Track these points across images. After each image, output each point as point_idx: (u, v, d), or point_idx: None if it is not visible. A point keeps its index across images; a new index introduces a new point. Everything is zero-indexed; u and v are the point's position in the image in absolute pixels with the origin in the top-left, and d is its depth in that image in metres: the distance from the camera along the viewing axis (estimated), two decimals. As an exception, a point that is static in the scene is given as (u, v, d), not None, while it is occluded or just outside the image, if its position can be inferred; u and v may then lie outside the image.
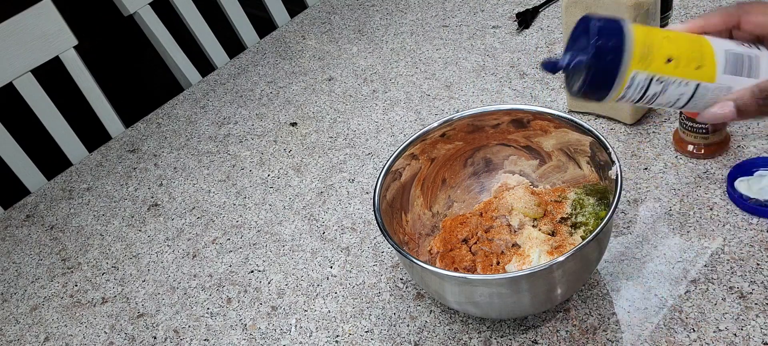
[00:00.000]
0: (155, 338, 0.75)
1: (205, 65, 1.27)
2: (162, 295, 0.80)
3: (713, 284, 0.64)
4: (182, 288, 0.80)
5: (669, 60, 0.47)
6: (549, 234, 0.67)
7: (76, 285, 0.84)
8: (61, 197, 1.01)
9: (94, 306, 0.81)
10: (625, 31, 0.47)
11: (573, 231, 0.68)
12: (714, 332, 0.61)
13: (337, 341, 0.69)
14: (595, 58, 0.47)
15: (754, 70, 0.47)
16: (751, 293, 0.63)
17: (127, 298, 0.80)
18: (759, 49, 0.48)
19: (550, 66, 0.50)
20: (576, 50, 0.49)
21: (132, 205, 0.95)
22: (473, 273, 0.66)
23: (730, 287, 0.64)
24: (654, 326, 0.62)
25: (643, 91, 0.48)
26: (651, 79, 0.48)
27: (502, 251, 0.67)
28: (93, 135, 1.23)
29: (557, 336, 0.64)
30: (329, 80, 1.09)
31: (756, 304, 0.62)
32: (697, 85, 0.48)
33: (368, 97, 1.03)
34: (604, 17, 0.48)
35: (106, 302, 0.81)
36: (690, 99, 0.49)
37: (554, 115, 0.69)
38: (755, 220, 0.69)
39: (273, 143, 0.99)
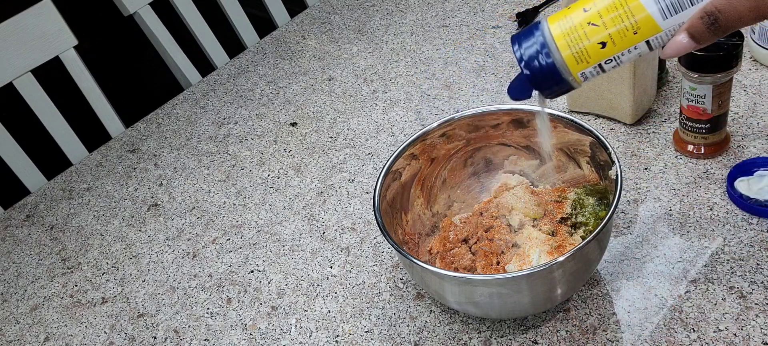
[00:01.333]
0: (155, 338, 0.75)
1: (205, 65, 1.27)
2: (162, 295, 0.80)
3: (713, 284, 0.64)
4: (182, 288, 0.80)
5: (603, 45, 0.46)
6: (549, 234, 0.67)
7: (76, 285, 0.84)
8: (61, 197, 1.01)
9: (94, 306, 0.81)
10: (550, 49, 0.47)
11: (573, 231, 0.68)
12: (714, 332, 0.61)
13: (337, 341, 0.69)
14: (539, 86, 0.48)
15: None
16: (751, 293, 0.63)
17: (127, 298, 0.81)
18: None
19: (516, 96, 0.52)
20: (522, 78, 0.50)
21: (132, 205, 0.95)
22: (473, 273, 0.66)
23: (730, 287, 0.64)
24: (654, 326, 0.62)
25: (599, 72, 0.48)
26: (599, 65, 0.47)
27: (502, 251, 0.67)
28: (93, 135, 1.23)
29: (557, 336, 0.64)
30: (329, 80, 1.09)
31: (756, 304, 0.62)
32: (647, 41, 0.46)
33: (368, 97, 1.03)
34: (525, 39, 0.48)
35: (106, 302, 0.81)
36: (650, 51, 0.47)
37: (554, 115, 0.69)
38: (755, 220, 0.69)
39: (273, 143, 0.99)
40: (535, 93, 0.51)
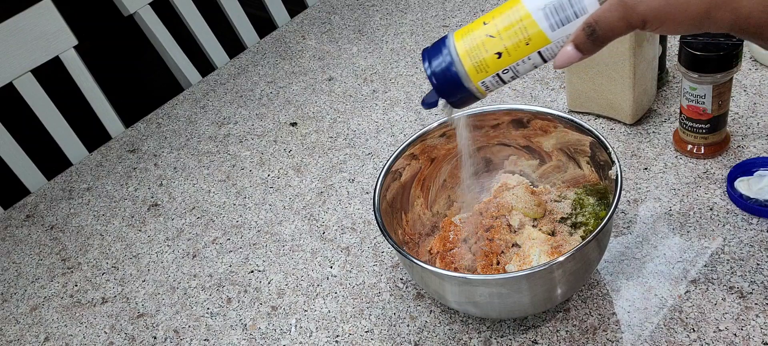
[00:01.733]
0: (155, 338, 0.75)
1: (205, 65, 1.27)
2: (162, 295, 0.80)
3: (713, 284, 0.64)
4: (182, 288, 0.80)
5: (499, 55, 0.49)
6: (549, 234, 0.67)
7: (76, 285, 0.84)
8: (61, 197, 1.01)
9: (94, 306, 0.81)
10: (453, 60, 0.51)
11: (573, 231, 0.68)
12: (714, 332, 0.61)
13: (337, 341, 0.69)
14: (444, 94, 0.53)
15: (580, 9, 0.47)
16: (751, 293, 0.63)
17: (127, 298, 0.81)
18: None
19: (426, 105, 0.56)
20: (431, 90, 0.54)
21: (132, 205, 0.95)
22: (473, 273, 0.66)
23: (730, 287, 0.64)
24: (654, 326, 0.62)
25: (499, 82, 0.52)
26: (498, 75, 0.51)
27: (502, 251, 0.67)
28: (93, 135, 1.23)
29: (557, 336, 0.64)
30: (329, 80, 1.09)
31: (756, 304, 0.62)
32: (539, 52, 0.49)
33: (368, 97, 1.03)
34: (432, 53, 0.52)
35: (106, 302, 0.81)
36: (543, 61, 0.50)
37: (554, 115, 0.69)
38: (755, 220, 0.69)
39: (273, 143, 0.99)
40: (441, 102, 0.55)
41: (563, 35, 0.48)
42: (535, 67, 0.51)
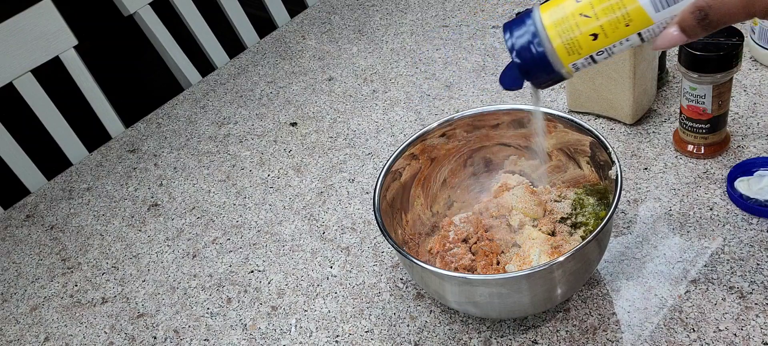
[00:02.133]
0: (155, 338, 0.75)
1: (205, 65, 1.27)
2: (162, 295, 0.80)
3: (713, 284, 0.64)
4: (182, 288, 0.80)
5: (595, 36, 0.46)
6: (549, 234, 0.67)
7: (76, 285, 0.84)
8: (61, 197, 1.01)
9: (94, 306, 0.81)
10: (541, 37, 0.46)
11: (573, 231, 0.68)
12: (714, 332, 0.61)
13: (337, 341, 0.69)
14: (528, 74, 0.48)
15: None
16: (751, 293, 0.63)
17: (127, 298, 0.81)
18: None
19: (508, 86, 0.51)
20: (514, 67, 0.49)
21: (132, 205, 0.95)
22: (473, 273, 0.66)
23: (730, 287, 0.64)
24: (654, 326, 0.62)
25: (591, 63, 0.48)
26: (591, 56, 0.47)
27: (502, 251, 0.67)
28: (93, 135, 1.23)
29: (557, 336, 0.64)
30: (329, 80, 1.09)
31: (756, 304, 0.62)
32: (639, 34, 0.46)
33: (368, 97, 1.03)
34: (516, 29, 0.48)
35: (106, 302, 0.81)
36: (642, 43, 0.47)
37: (554, 115, 0.69)
38: (755, 220, 0.69)
39: (273, 143, 0.99)
40: (526, 84, 0.51)
41: (668, 16, 0.44)
42: (631, 47, 0.47)
